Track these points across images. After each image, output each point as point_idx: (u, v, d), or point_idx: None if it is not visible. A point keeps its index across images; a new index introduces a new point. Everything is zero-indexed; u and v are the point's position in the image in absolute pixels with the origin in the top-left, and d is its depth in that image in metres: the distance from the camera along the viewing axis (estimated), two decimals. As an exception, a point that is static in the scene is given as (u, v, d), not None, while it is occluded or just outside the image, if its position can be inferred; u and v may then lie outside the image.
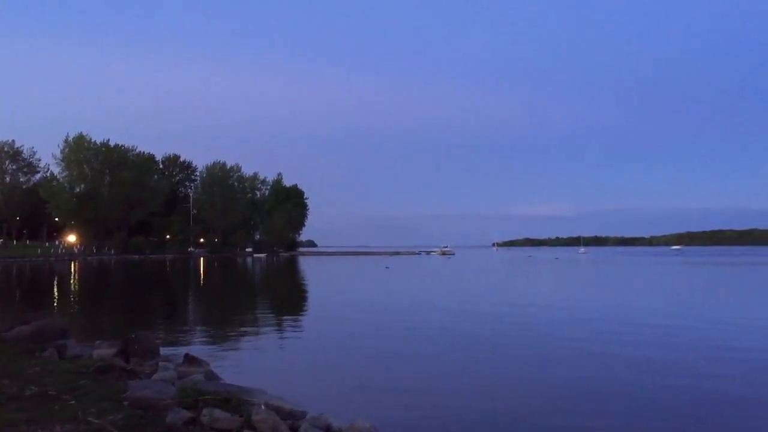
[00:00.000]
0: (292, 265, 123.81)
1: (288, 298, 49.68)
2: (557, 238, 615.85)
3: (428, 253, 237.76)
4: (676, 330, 26.97)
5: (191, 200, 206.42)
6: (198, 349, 20.85)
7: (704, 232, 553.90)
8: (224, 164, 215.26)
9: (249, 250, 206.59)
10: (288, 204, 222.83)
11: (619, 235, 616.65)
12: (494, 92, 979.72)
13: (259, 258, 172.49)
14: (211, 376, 13.99)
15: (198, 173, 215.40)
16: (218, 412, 9.54)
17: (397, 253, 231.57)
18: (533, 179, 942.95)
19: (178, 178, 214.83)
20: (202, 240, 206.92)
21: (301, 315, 35.78)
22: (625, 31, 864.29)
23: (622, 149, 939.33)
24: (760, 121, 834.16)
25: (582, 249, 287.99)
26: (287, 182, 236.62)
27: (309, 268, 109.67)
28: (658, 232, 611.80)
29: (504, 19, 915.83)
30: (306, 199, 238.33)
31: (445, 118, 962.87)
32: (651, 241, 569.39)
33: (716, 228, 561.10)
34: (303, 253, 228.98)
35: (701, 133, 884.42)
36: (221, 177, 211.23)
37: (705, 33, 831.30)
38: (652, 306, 38.75)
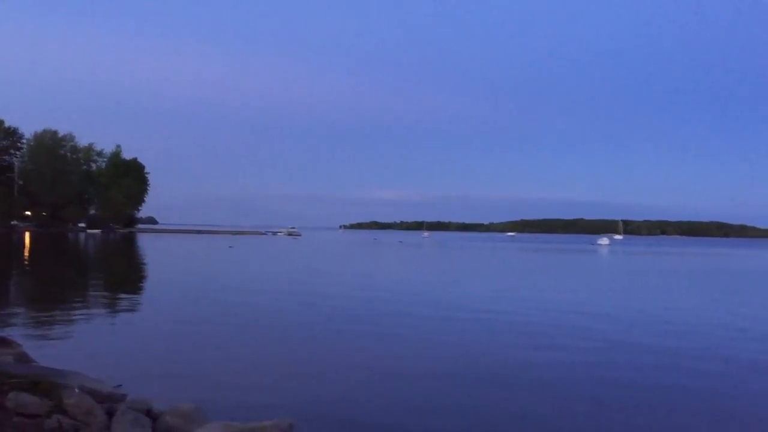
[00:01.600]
0: (127, 243, 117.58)
1: (119, 277, 47.20)
2: (402, 222, 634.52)
3: (274, 233, 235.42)
4: (489, 311, 29.12)
5: (16, 170, 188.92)
6: (13, 330, 19.30)
7: (537, 221, 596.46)
8: (55, 132, 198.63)
9: (82, 225, 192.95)
10: (127, 178, 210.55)
11: (460, 220, 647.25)
12: (348, 77, 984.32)
13: (93, 234, 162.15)
14: (23, 358, 13.02)
15: (25, 141, 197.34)
16: (25, 396, 8.93)
17: (242, 233, 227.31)
18: (381, 164, 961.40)
19: (1, 145, 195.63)
20: (28, 213, 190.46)
21: (131, 295, 34.05)
22: (481, 21, 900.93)
23: (467, 139, 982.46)
24: (590, 117, 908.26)
25: (425, 233, 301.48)
26: (127, 155, 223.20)
27: (145, 246, 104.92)
28: (496, 219, 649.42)
29: (365, 2, 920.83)
30: (147, 173, 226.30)
31: (297, 99, 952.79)
32: (489, 228, 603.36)
33: (547, 217, 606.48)
34: (142, 231, 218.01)
35: (538, 127, 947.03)
36: (51, 146, 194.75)
37: (554, 33, 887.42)
38: (452, 283, 41.52)
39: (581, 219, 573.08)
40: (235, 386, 14.16)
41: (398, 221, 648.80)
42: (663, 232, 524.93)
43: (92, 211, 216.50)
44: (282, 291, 36.65)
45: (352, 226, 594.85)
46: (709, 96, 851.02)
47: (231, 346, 19.37)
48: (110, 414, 9.30)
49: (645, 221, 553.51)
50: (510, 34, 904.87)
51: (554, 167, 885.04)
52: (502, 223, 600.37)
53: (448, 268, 66.35)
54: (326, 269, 57.70)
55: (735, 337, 23.41)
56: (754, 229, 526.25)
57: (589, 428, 12.20)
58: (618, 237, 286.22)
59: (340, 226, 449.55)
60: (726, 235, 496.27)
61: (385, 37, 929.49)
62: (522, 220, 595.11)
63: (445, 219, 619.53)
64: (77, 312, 25.33)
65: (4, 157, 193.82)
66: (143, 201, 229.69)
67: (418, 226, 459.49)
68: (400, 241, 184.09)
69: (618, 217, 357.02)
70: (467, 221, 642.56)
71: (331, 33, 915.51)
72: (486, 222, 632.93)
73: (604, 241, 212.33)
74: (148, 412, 9.71)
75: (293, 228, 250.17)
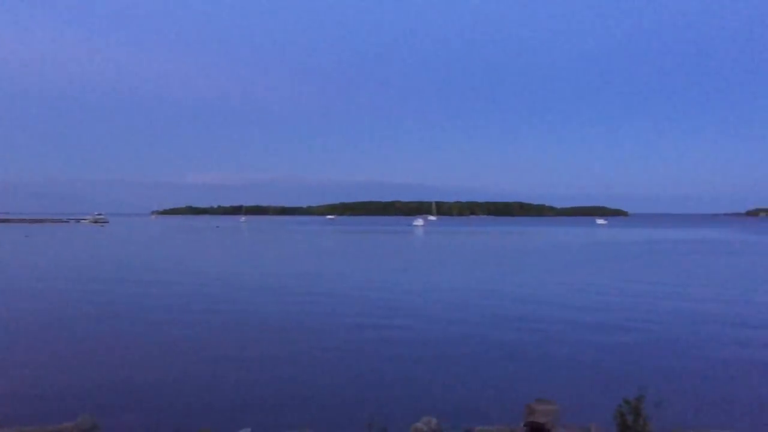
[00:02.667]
0: None
1: None
2: (219, 206, 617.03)
3: (78, 221, 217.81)
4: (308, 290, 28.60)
5: None
6: None
7: (355, 203, 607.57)
8: None
9: None
10: None
11: (279, 204, 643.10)
12: (159, 56, 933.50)
13: None
14: None
15: None
16: None
17: (42, 221, 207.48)
18: (196, 148, 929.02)
19: None
20: None
21: None
22: (303, 5, 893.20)
23: (286, 122, 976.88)
24: (404, 101, 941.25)
25: (243, 218, 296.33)
26: None
27: None
28: (315, 202, 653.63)
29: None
30: None
31: (104, 78, 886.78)
32: (309, 211, 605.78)
33: (366, 200, 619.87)
34: None
35: (357, 111, 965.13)
36: None
37: (375, 18, 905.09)
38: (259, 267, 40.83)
39: (398, 201, 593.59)
40: (31, 388, 12.50)
41: (215, 206, 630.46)
42: (472, 213, 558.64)
43: None
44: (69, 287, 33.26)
45: (166, 212, 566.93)
46: (513, 81, 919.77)
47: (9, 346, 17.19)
48: None
49: (456, 202, 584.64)
50: (333, 17, 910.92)
51: (371, 150, 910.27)
52: (321, 206, 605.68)
53: (264, 252, 64.97)
54: (128, 259, 53.80)
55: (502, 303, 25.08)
56: (550, 208, 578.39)
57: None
58: (432, 218, 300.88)
59: (152, 212, 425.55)
60: (526, 214, 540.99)
61: (202, 14, 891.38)
62: (341, 203, 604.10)
63: (264, 203, 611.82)
64: None
65: None
66: None
67: (236, 210, 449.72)
68: (217, 226, 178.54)
69: (431, 199, 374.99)
70: (286, 205, 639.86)
71: (140, 9, 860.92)
72: (305, 205, 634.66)
73: (419, 222, 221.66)
74: None
75: (100, 215, 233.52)
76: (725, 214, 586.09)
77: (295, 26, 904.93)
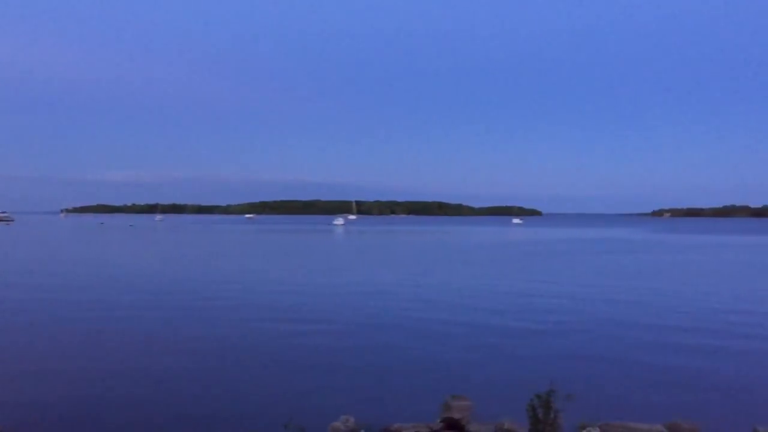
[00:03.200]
0: None
1: None
2: (134, 204, 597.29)
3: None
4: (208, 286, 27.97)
5: None
6: None
7: (275, 202, 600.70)
8: None
9: None
10: None
11: (197, 203, 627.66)
12: (75, 51, 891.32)
13: None
14: None
15: None
16: None
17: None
18: (109, 144, 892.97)
19: None
20: None
21: None
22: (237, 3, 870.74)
23: (203, 119, 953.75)
24: (328, 101, 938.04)
25: (158, 216, 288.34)
26: None
27: None
28: (235, 201, 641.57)
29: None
30: None
31: (9, 72, 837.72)
32: (228, 210, 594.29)
33: (286, 198, 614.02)
34: None
35: (277, 109, 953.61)
36: None
37: (307, 17, 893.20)
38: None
39: (318, 200, 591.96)
40: None
41: (129, 204, 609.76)
42: (393, 212, 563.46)
43: None
44: None
45: (76, 210, 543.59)
46: (431, 82, 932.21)
47: None
48: None
49: (376, 201, 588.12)
50: (265, 15, 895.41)
51: (293, 149, 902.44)
52: (240, 204, 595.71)
53: (175, 251, 63.17)
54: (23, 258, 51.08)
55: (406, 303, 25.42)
56: (469, 208, 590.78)
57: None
58: (352, 217, 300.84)
59: (62, 210, 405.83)
60: (445, 214, 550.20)
61: (125, 6, 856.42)
62: (261, 202, 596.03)
63: (180, 201, 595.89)
64: None
65: None
66: None
67: (152, 209, 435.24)
68: (131, 225, 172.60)
69: (352, 198, 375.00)
70: (204, 203, 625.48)
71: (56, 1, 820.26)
72: (224, 204, 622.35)
73: (339, 221, 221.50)
74: None
75: (4, 213, 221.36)
76: (633, 215, 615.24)
77: (206, 17, 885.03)
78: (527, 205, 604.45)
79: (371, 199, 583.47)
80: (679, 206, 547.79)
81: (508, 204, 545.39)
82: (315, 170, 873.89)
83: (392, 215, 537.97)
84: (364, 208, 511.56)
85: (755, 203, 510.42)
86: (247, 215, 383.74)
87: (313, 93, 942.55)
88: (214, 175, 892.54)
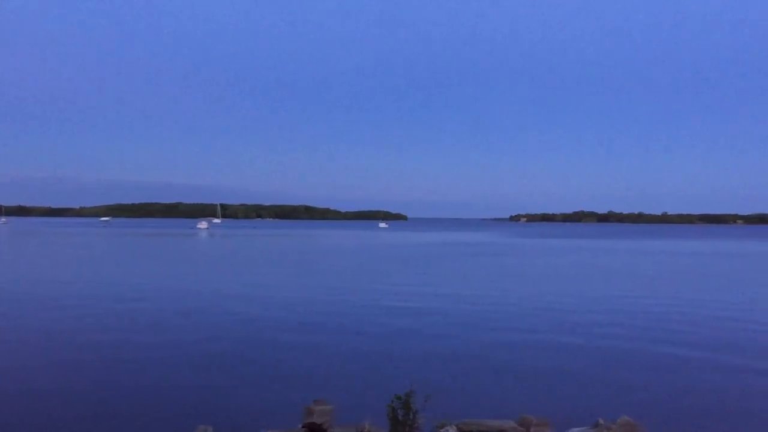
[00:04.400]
0: None
1: None
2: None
3: None
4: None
5: None
6: None
7: (133, 205, 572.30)
8: None
9: None
10: None
11: (46, 205, 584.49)
12: None
13: None
14: None
15: None
16: None
17: None
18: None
19: None
20: None
21: None
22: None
23: (52, 116, 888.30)
24: (176, 98, 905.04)
25: (2, 219, 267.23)
26: None
27: None
28: (89, 203, 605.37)
29: None
30: None
31: None
32: (81, 212, 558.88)
33: (145, 201, 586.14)
34: None
35: (134, 108, 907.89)
36: None
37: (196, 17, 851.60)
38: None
39: (180, 203, 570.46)
40: None
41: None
42: (258, 216, 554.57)
43: None
44: None
45: None
46: (298, 86, 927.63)
47: None
48: None
49: (242, 205, 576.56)
50: (142, 14, 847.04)
51: (154, 150, 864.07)
52: (95, 207, 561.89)
53: (10, 257, 58.37)
54: None
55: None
56: (335, 212, 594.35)
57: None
58: (217, 221, 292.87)
59: None
60: (312, 218, 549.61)
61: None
62: (119, 205, 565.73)
63: (27, 203, 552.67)
64: None
65: None
66: None
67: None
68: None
69: (216, 201, 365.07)
70: (54, 206, 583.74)
71: None
72: (77, 206, 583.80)
73: (203, 224, 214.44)
74: None
75: None
76: (492, 219, 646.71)
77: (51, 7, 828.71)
78: (393, 210, 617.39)
79: (237, 203, 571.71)
80: (534, 212, 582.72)
81: (375, 208, 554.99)
82: (179, 172, 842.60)
83: (258, 219, 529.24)
84: (229, 212, 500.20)
85: (601, 210, 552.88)
86: (103, 218, 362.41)
87: (177, 91, 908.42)
88: (67, 176, 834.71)
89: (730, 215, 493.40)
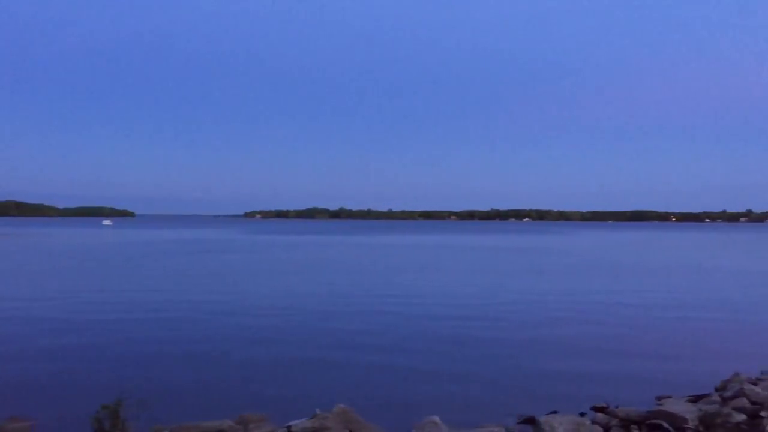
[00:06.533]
0: None
1: None
2: None
3: None
4: None
5: None
6: None
7: None
8: None
9: None
10: None
11: None
12: None
13: None
14: None
15: None
16: None
17: None
18: None
19: None
20: None
21: None
22: None
23: None
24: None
25: None
26: None
27: None
28: None
29: None
30: None
31: None
32: None
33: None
34: None
35: None
36: None
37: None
38: None
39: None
40: None
41: None
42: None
43: None
44: None
45: None
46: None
47: None
48: None
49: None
50: None
51: None
52: None
53: None
54: None
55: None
56: (52, 208, 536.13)
57: None
58: None
59: None
60: (23, 214, 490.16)
61: None
62: None
63: None
64: None
65: None
66: None
67: None
68: None
69: None
70: None
71: None
72: None
73: None
74: None
75: None
76: (227, 216, 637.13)
77: None
78: (120, 206, 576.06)
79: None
80: (269, 208, 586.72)
81: (99, 204, 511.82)
82: None
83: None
84: None
85: (333, 206, 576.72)
86: None
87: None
88: None
89: (445, 212, 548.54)
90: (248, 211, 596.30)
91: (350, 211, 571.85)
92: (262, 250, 73.79)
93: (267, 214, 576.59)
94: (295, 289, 34.10)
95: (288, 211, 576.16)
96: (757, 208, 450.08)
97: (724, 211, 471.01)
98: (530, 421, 11.47)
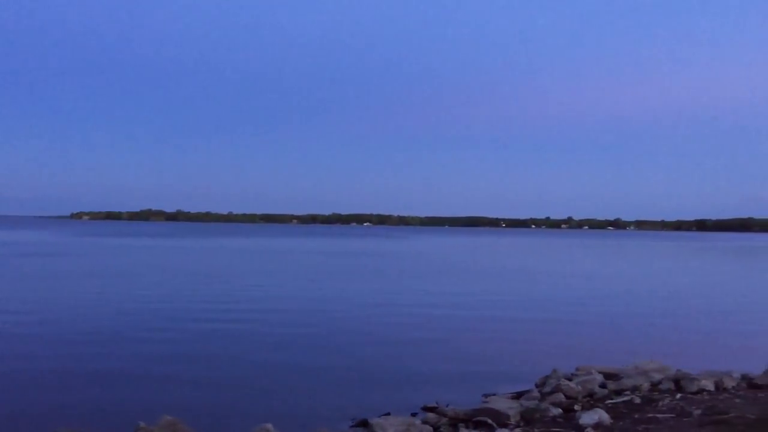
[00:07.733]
0: None
1: None
2: None
3: None
4: None
5: None
6: None
7: None
8: None
9: None
10: None
11: None
12: None
13: None
14: None
15: None
16: None
17: None
18: None
19: None
20: None
21: None
22: None
23: None
24: None
25: None
26: None
27: None
28: None
29: None
30: None
31: None
32: None
33: None
34: None
35: None
36: None
37: None
38: None
39: None
40: None
41: None
42: None
43: None
44: None
45: None
46: None
47: None
48: None
49: None
50: None
51: None
52: None
53: None
54: None
55: None
56: None
57: None
58: None
59: None
60: None
61: None
62: None
63: None
64: None
65: None
66: None
67: None
68: None
69: None
70: None
71: None
72: None
73: None
74: None
75: None
76: (51, 217, 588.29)
77: None
78: None
79: None
80: (98, 210, 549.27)
81: None
82: None
83: None
84: None
85: (170, 208, 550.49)
86: None
87: None
88: None
89: (287, 215, 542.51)
90: (75, 211, 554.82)
91: (188, 213, 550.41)
92: (89, 254, 68.90)
93: (96, 216, 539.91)
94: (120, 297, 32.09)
95: (120, 213, 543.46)
96: (577, 216, 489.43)
97: (548, 218, 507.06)
98: (363, 423, 11.57)
